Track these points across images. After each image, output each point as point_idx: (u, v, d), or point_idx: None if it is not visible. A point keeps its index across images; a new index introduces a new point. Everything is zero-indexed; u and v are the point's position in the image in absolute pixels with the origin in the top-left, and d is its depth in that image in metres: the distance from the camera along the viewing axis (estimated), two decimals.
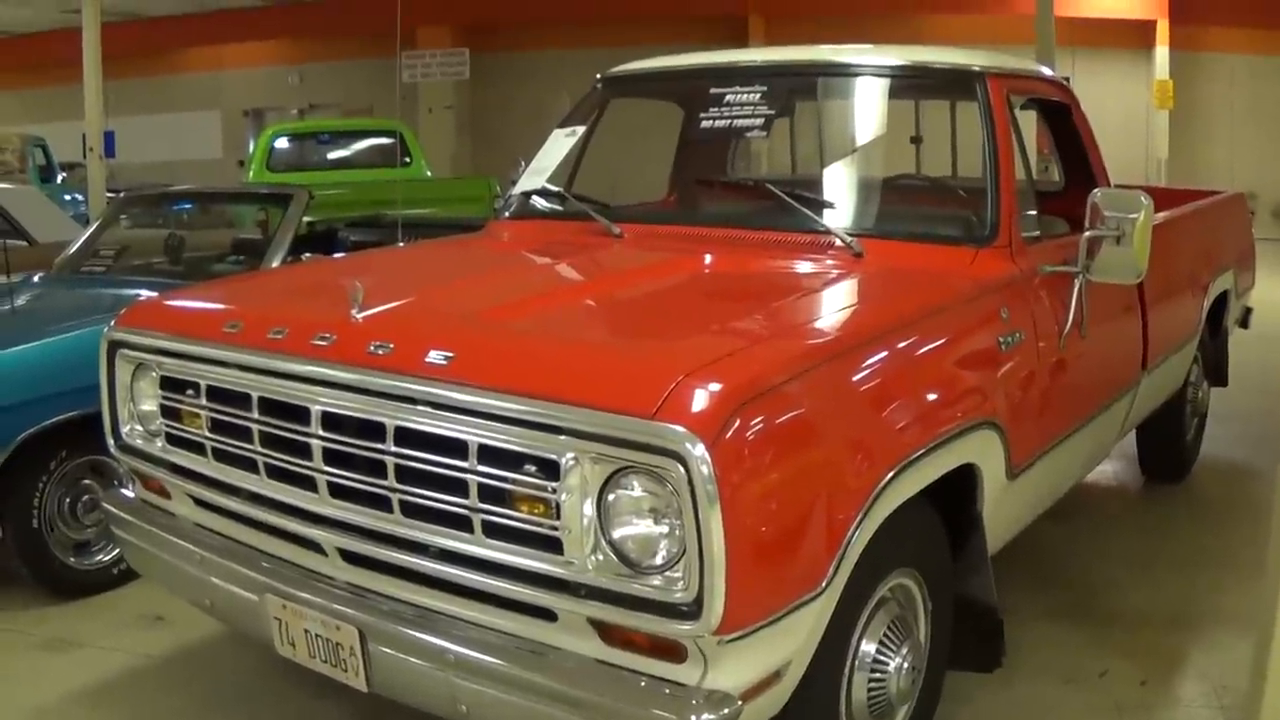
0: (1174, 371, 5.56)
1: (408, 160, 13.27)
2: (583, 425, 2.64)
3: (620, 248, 4.13)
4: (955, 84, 4.30)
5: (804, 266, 3.79)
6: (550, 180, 4.64)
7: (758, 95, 4.25)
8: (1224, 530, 5.60)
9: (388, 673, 3.02)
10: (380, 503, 2.99)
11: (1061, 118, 4.79)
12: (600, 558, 2.69)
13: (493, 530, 2.82)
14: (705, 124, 4.34)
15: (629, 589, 2.66)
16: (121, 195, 7.81)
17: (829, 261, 3.78)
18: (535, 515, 2.75)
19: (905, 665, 3.24)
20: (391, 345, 3.00)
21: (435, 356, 2.91)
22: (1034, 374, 3.72)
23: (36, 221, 8.63)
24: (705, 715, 2.59)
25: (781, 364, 2.80)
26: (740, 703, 2.64)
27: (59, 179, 17.00)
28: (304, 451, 3.12)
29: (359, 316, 3.12)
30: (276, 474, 3.22)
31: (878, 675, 3.19)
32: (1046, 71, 5.04)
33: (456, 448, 2.83)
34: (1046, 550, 5.30)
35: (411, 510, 2.94)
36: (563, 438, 2.68)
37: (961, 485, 3.45)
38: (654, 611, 2.62)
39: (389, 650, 2.99)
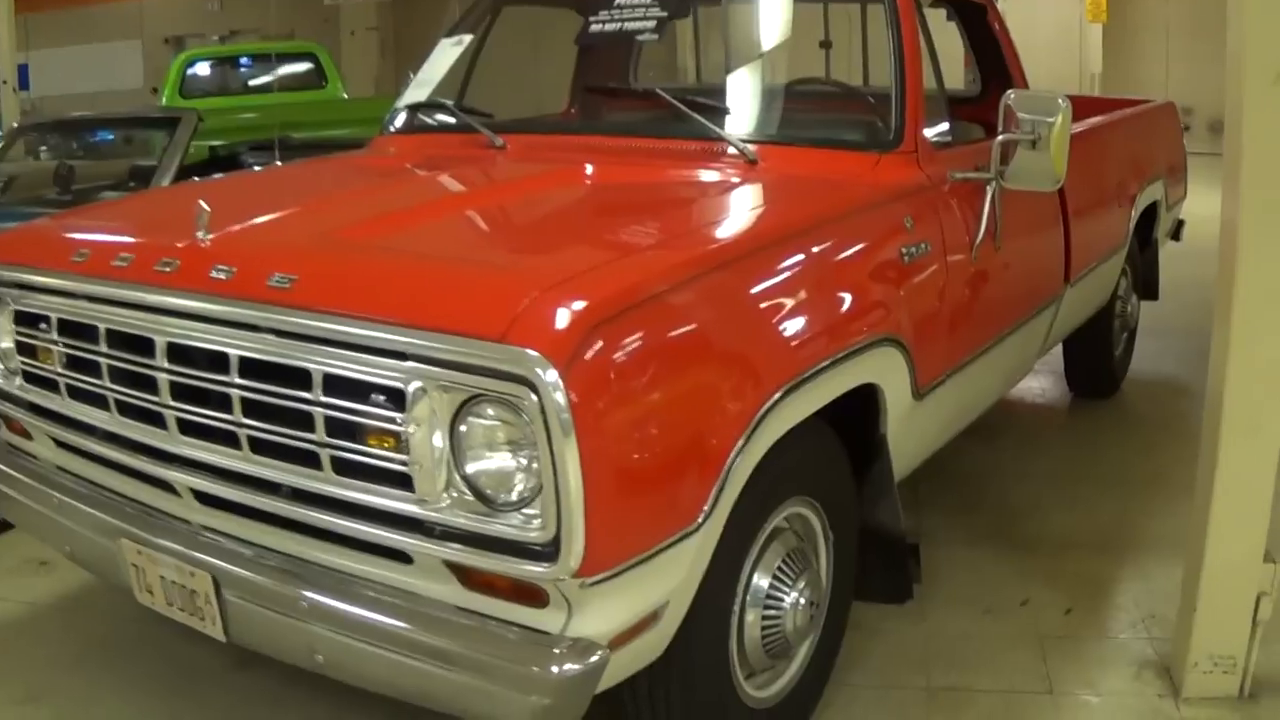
0: (1100, 285, 5.35)
1: (325, 84, 12.94)
2: (428, 350, 2.41)
3: (502, 160, 3.88)
4: None
5: (691, 175, 3.54)
6: (438, 92, 4.37)
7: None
8: (1154, 450, 5.42)
9: (243, 622, 2.81)
10: (229, 439, 2.78)
11: (976, 19, 4.53)
12: (454, 494, 2.47)
13: (343, 467, 2.59)
14: (595, 28, 4.05)
15: (484, 528, 2.43)
16: (15, 125, 7.43)
17: (720, 170, 3.53)
18: (385, 449, 2.52)
19: (803, 600, 3.02)
20: (233, 269, 2.77)
21: (277, 279, 2.67)
22: (942, 287, 3.48)
23: None
24: (567, 665, 2.37)
25: (650, 278, 2.56)
26: (607, 650, 2.42)
27: None
28: (152, 386, 2.90)
29: (204, 239, 2.89)
30: (127, 411, 3.00)
31: (772, 612, 2.98)
32: None
33: (301, 378, 2.60)
34: (967, 471, 5.11)
35: (260, 447, 2.72)
36: (408, 364, 2.44)
37: (863, 406, 3.23)
38: (510, 553, 2.40)
39: (243, 598, 2.79)
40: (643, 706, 2.80)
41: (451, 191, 3.58)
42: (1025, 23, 16.91)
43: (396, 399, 2.47)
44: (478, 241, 3.01)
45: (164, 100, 13.13)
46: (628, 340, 2.40)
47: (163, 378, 2.86)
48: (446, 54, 4.52)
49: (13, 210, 5.73)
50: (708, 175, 3.52)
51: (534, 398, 2.26)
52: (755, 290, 2.79)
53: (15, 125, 7.52)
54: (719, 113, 3.72)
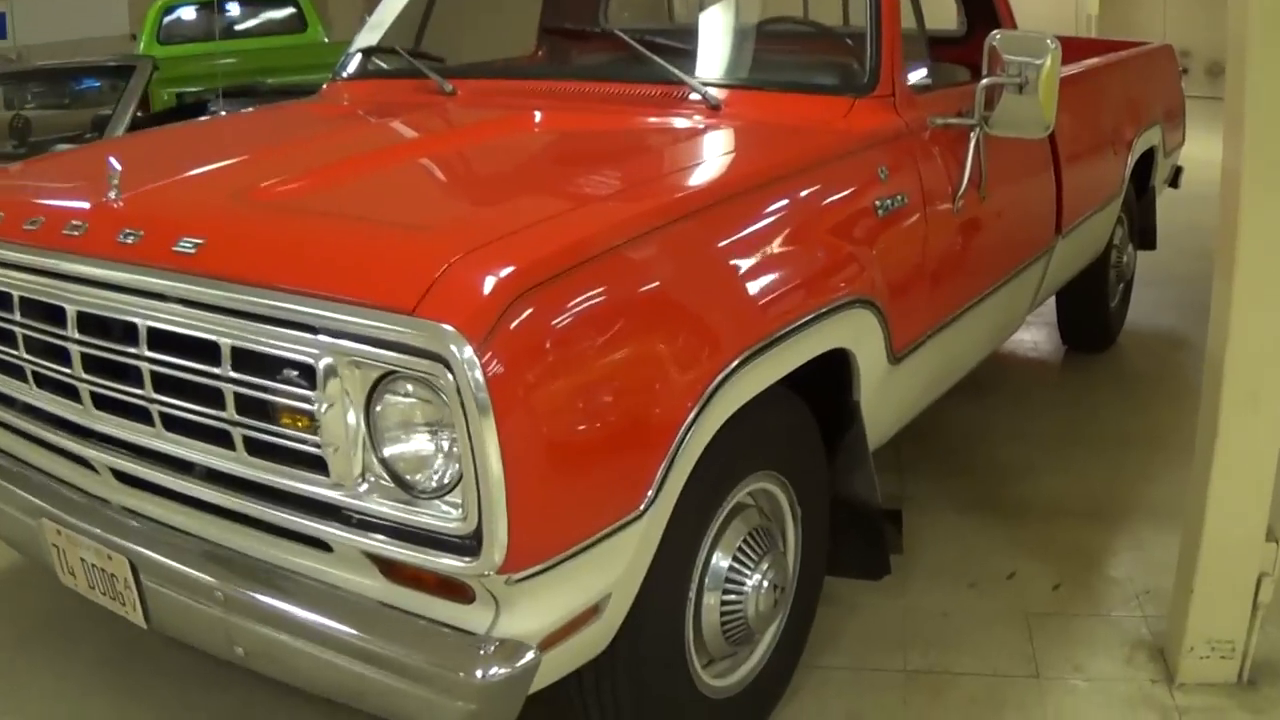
0: (1094, 234, 5.10)
1: (306, 28, 12.65)
2: (337, 324, 2.17)
3: (450, 107, 3.64)
4: None
5: (646, 122, 3.29)
6: (392, 35, 4.13)
7: None
8: (1151, 407, 5.18)
9: (162, 609, 2.60)
10: (142, 415, 2.56)
11: None
12: (372, 480, 2.24)
13: (256, 447, 2.37)
14: None
15: (403, 517, 2.20)
16: None
17: (679, 117, 3.28)
18: (298, 429, 2.29)
19: (766, 583, 2.79)
20: (141, 232, 2.55)
21: (183, 244, 2.45)
22: (921, 242, 3.24)
23: None
24: (494, 669, 2.15)
25: (586, 238, 2.31)
26: (539, 652, 2.20)
27: None
28: (65, 358, 2.69)
29: (115, 200, 2.67)
30: (44, 383, 2.80)
31: (732, 596, 2.76)
32: None
33: (210, 351, 2.38)
34: (955, 431, 4.88)
35: (173, 424, 2.51)
36: (319, 338, 2.20)
37: (834, 372, 2.99)
38: (430, 545, 2.18)
39: (160, 584, 2.58)
40: (590, 702, 2.59)
41: (388, 143, 3.32)
42: None
43: (308, 375, 2.24)
44: (405, 199, 2.75)
45: (141, 47, 12.84)
46: (558, 310, 2.17)
47: (74, 349, 2.65)
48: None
49: None
50: (665, 122, 3.27)
51: (450, 376, 2.03)
52: (708, 249, 2.54)
53: None
54: (681, 55, 3.46)
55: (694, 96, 3.31)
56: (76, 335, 2.62)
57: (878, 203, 3.04)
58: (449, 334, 2.02)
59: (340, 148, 3.21)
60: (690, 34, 3.72)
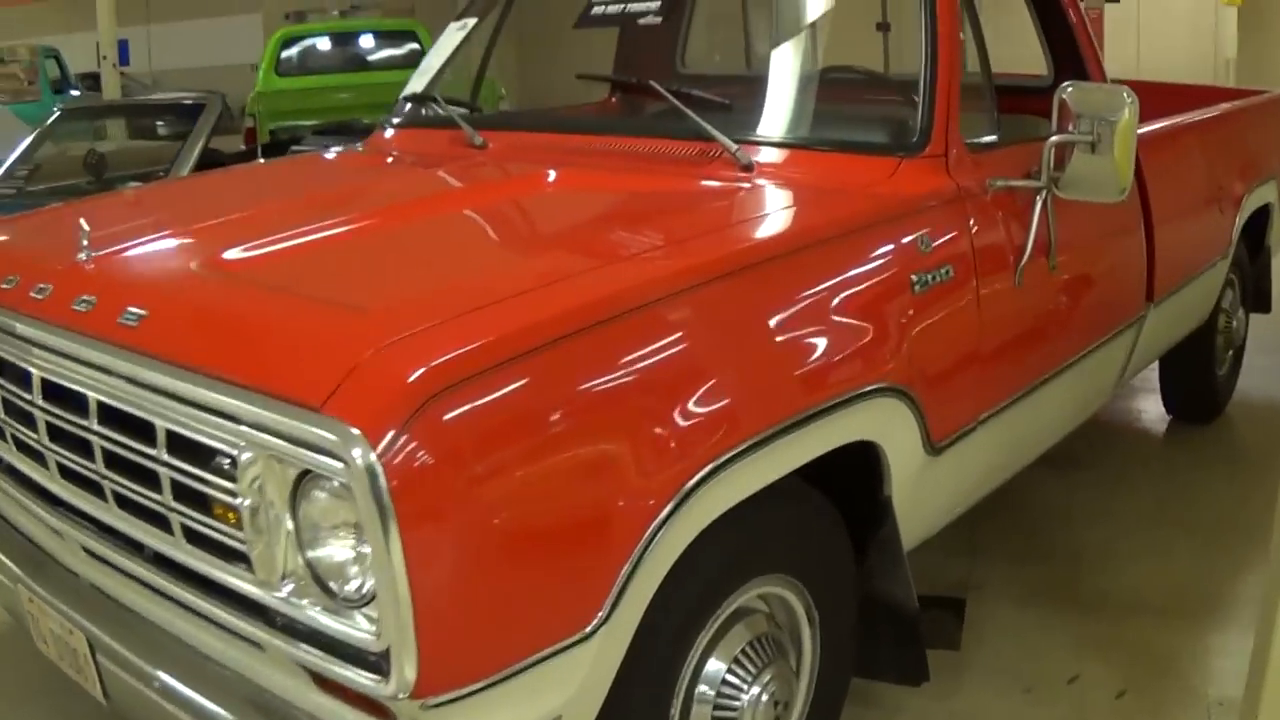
0: (1197, 300, 4.73)
1: None
2: (253, 415, 1.99)
3: (473, 162, 3.45)
4: None
5: (665, 185, 3.04)
6: (438, 82, 3.95)
7: None
8: (1257, 490, 4.75)
9: (116, 689, 2.47)
10: (98, 489, 2.43)
11: None
12: (297, 582, 2.05)
13: (193, 535, 2.21)
14: (596, 10, 3.56)
15: (324, 625, 2.00)
16: (59, 110, 7.17)
17: (704, 178, 3.03)
18: (229, 522, 2.11)
19: (766, 697, 2.52)
20: (94, 299, 2.44)
21: (128, 316, 2.33)
22: (969, 320, 2.94)
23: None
24: None
25: (527, 328, 2.06)
26: None
27: (72, 92, 16.41)
28: (34, 423, 2.58)
29: (82, 262, 2.57)
30: (21, 447, 2.70)
31: (725, 713, 2.48)
32: None
33: (148, 432, 2.22)
34: (1037, 509, 4.54)
35: (124, 502, 2.36)
36: (241, 428, 2.02)
37: (863, 464, 2.71)
38: (348, 659, 1.98)
39: (111, 665, 2.44)
40: None
41: (384, 204, 3.06)
42: (1160, 8, 16.06)
43: (235, 465, 2.05)
44: (365, 273, 2.52)
45: (259, 79, 12.95)
46: (485, 409, 1.93)
47: (40, 416, 2.53)
48: (451, 39, 4.13)
49: (20, 204, 5.47)
50: (684, 185, 3.02)
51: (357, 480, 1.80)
52: (691, 335, 2.27)
53: (59, 109, 7.21)
54: (723, 109, 3.21)
55: (727, 154, 3.05)
56: (40, 402, 2.50)
57: (915, 278, 2.75)
58: (352, 435, 1.82)
59: (332, 209, 3.00)
60: (738, 85, 3.48)
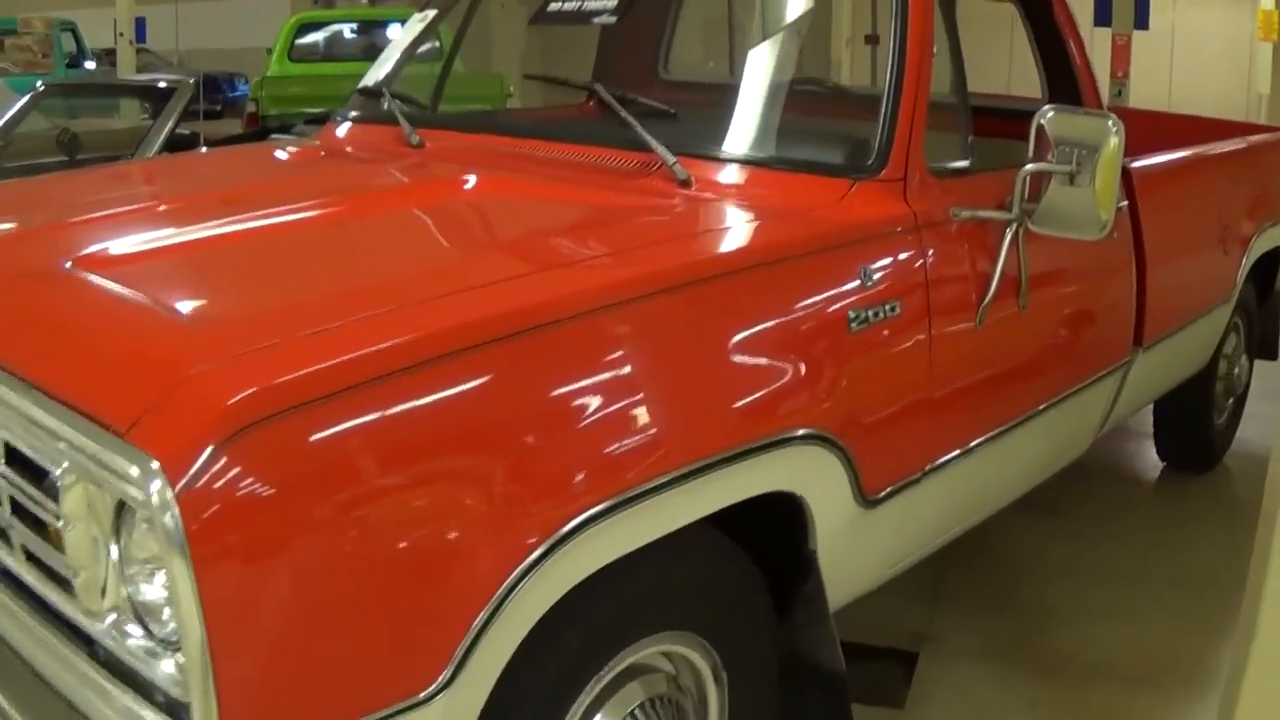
0: (1194, 345, 4.48)
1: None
2: (68, 434, 1.79)
3: (403, 163, 3.25)
4: None
5: (589, 197, 2.81)
6: (393, 76, 3.74)
7: None
8: (1248, 545, 4.45)
9: None
10: None
11: (1038, 12, 3.67)
12: (119, 615, 1.83)
13: (30, 555, 2.01)
14: (553, 6, 3.33)
15: (139, 666, 1.79)
16: (41, 86, 6.98)
17: (636, 193, 2.79)
18: (58, 544, 1.90)
19: None
20: None
21: None
22: (917, 363, 2.70)
23: None
24: None
25: (374, 355, 1.83)
26: None
27: (87, 65, 16.27)
28: None
29: None
30: None
31: None
32: None
33: None
34: (1010, 558, 4.28)
35: None
36: (61, 446, 1.80)
37: (787, 513, 2.48)
38: (159, 708, 1.76)
39: None
40: None
41: (288, 204, 2.81)
42: (1194, 39, 15.80)
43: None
44: (227, 283, 2.30)
45: (272, 64, 12.79)
46: (312, 445, 1.71)
47: None
48: (411, 31, 3.91)
49: None
50: (608, 198, 2.78)
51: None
52: (560, 375, 2.02)
53: (41, 85, 7.01)
54: (664, 119, 2.98)
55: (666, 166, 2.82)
56: None
57: (853, 314, 2.50)
58: (150, 467, 1.61)
59: (238, 206, 2.77)
60: (714, 93, 3.25)
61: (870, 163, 2.78)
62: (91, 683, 1.88)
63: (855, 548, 2.66)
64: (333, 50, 13.04)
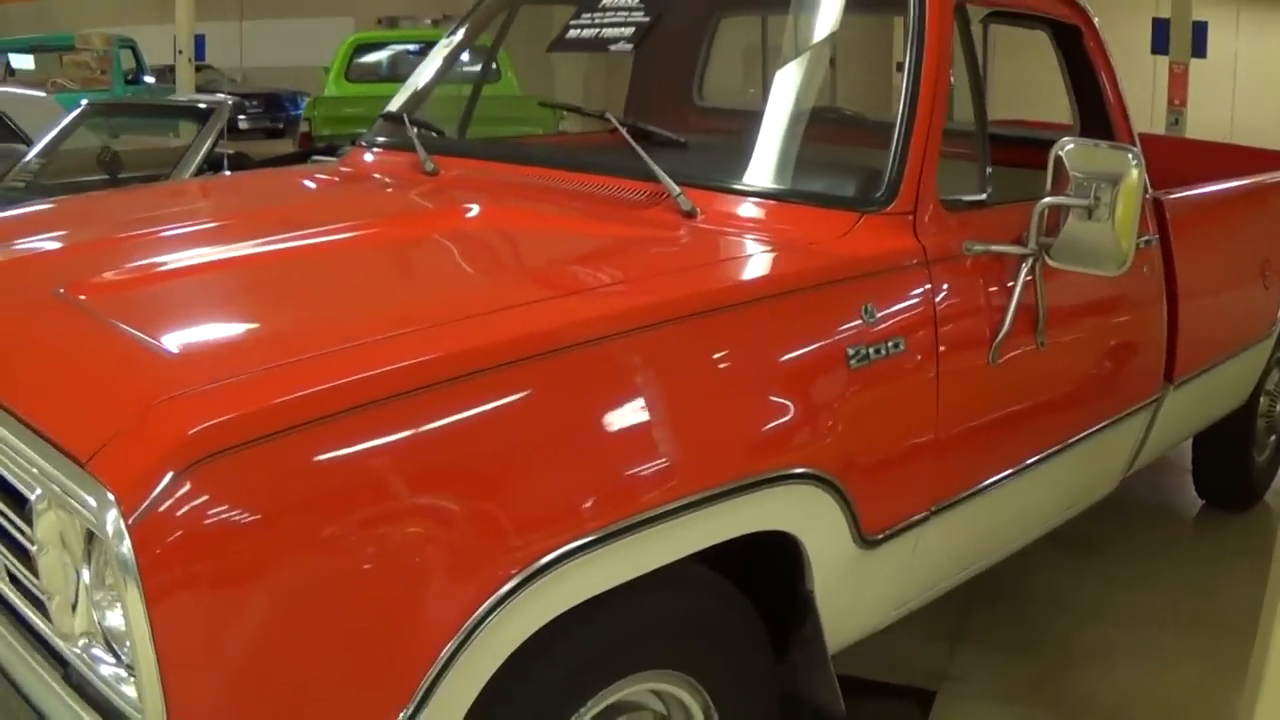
0: (1231, 382, 4.39)
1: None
2: (39, 461, 1.80)
3: (414, 190, 3.27)
4: None
5: (592, 228, 2.79)
6: (418, 102, 3.75)
7: None
8: None
9: None
10: None
11: (1069, 43, 3.61)
12: (89, 640, 1.84)
13: (14, 576, 2.03)
14: (571, 34, 3.32)
15: (110, 692, 1.79)
16: (85, 104, 7.05)
17: (640, 223, 2.76)
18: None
19: None
20: None
21: None
22: (921, 401, 2.64)
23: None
24: None
25: (345, 387, 1.81)
26: None
27: (146, 81, 16.46)
28: None
29: None
30: None
31: None
32: None
33: None
34: (1039, 596, 4.20)
35: None
36: (34, 472, 1.81)
37: (784, 551, 2.43)
38: None
39: None
40: None
41: (293, 232, 2.78)
42: (1258, 67, 15.55)
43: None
44: (216, 311, 2.30)
45: (329, 83, 12.87)
46: (272, 479, 1.70)
47: None
48: (436, 58, 3.91)
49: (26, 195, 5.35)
50: (611, 229, 2.76)
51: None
52: (540, 407, 1.99)
53: (85, 104, 7.08)
54: (676, 148, 2.95)
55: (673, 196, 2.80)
56: None
57: (852, 350, 2.46)
58: (106, 498, 1.61)
59: (240, 233, 2.78)
60: (723, 121, 3.22)
61: (879, 195, 2.73)
62: (68, 707, 1.87)
63: (856, 588, 2.61)
64: (392, 71, 13.10)
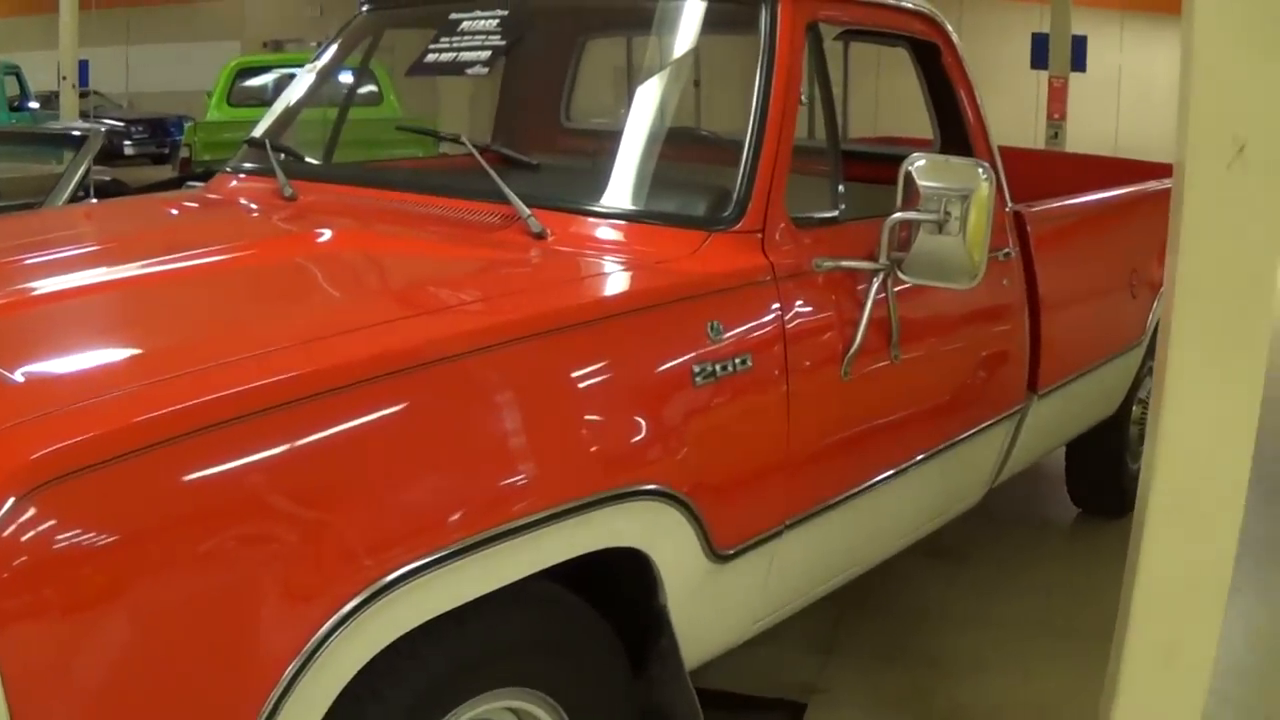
0: (1101, 390, 4.47)
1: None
2: None
3: (271, 215, 3.26)
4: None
5: (439, 251, 2.80)
6: (281, 126, 3.72)
7: (493, 22, 3.23)
8: None
9: None
10: None
11: (928, 60, 3.67)
12: None
13: None
14: (430, 58, 3.31)
15: None
16: None
17: (490, 246, 2.77)
18: None
19: None
20: None
21: None
22: (771, 417, 2.67)
23: None
24: None
25: (185, 411, 1.81)
26: None
27: (31, 108, 16.20)
28: None
29: None
30: None
31: None
32: None
33: None
34: (910, 608, 4.24)
35: None
36: None
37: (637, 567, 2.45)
38: None
39: None
40: None
41: (146, 259, 2.75)
42: (1142, 81, 15.82)
43: None
44: (54, 342, 2.27)
45: (210, 107, 12.76)
46: (115, 501, 1.69)
47: None
48: (301, 82, 3.89)
49: None
50: (458, 251, 2.77)
51: None
52: (378, 430, 1.99)
53: None
54: (531, 170, 2.96)
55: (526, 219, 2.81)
56: None
57: (698, 368, 2.47)
58: None
59: (87, 260, 2.75)
60: (588, 141, 3.23)
61: (727, 214, 2.76)
62: None
63: (712, 602, 2.62)
64: (275, 95, 13.02)
